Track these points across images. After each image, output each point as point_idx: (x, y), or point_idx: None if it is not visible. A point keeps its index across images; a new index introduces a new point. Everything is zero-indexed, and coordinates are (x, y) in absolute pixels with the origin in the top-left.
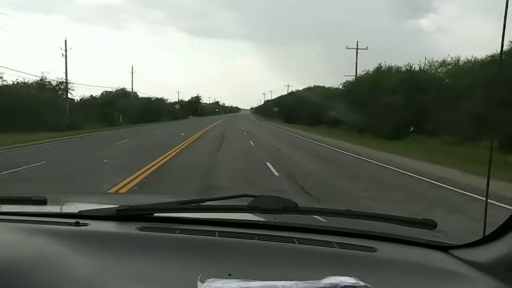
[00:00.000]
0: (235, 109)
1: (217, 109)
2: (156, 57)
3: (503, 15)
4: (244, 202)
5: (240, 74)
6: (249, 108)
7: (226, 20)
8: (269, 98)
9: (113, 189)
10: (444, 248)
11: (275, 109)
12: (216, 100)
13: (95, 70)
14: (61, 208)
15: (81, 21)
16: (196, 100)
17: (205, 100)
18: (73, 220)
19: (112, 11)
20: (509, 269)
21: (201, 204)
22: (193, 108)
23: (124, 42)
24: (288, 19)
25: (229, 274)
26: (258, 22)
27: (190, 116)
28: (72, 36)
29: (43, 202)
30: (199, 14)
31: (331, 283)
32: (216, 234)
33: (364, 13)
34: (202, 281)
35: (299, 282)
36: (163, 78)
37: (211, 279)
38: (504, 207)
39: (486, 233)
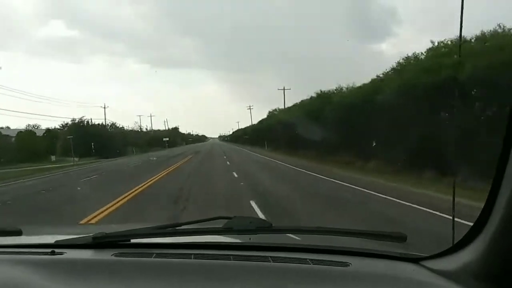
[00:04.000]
0: (202, 138)
1: (165, 137)
2: (117, 88)
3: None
4: (219, 224)
5: (205, 103)
6: (217, 136)
7: (186, 49)
8: (239, 127)
9: None
10: (415, 260)
11: (245, 136)
12: (174, 126)
13: (54, 104)
14: (36, 238)
15: (39, 56)
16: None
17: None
18: (49, 250)
19: (70, 44)
20: (476, 277)
21: (177, 228)
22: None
23: (85, 75)
24: (249, 47)
25: None
26: (219, 51)
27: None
28: (29, 71)
29: (18, 233)
30: (159, 45)
31: None
32: (192, 256)
33: (325, 39)
34: None
35: None
36: (126, 108)
37: None
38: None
39: (455, 242)
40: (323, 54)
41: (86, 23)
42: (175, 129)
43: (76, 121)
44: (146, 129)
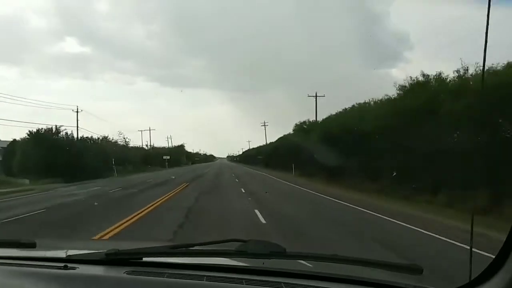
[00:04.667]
0: (209, 158)
1: (166, 155)
2: (125, 105)
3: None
4: (232, 246)
5: (214, 123)
6: (225, 156)
7: (196, 69)
8: (250, 147)
9: None
10: None
11: (259, 157)
12: (180, 144)
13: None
14: (50, 252)
15: (49, 72)
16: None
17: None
18: (62, 264)
19: (81, 61)
20: None
21: (190, 248)
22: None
23: (94, 91)
24: (260, 67)
25: None
26: (230, 71)
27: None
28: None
29: (32, 245)
30: (169, 64)
31: None
32: (204, 279)
33: (335, 62)
34: None
35: None
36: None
37: None
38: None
39: (472, 278)
40: (334, 76)
41: (98, 41)
42: (181, 146)
43: (42, 130)
44: (146, 145)
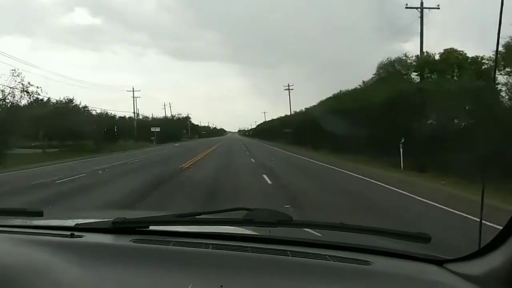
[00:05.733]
0: (220, 131)
1: (157, 126)
2: (136, 77)
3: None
4: (239, 215)
5: (225, 97)
6: (236, 131)
7: (209, 42)
8: (265, 120)
9: None
10: (439, 262)
11: (287, 130)
12: (186, 115)
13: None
14: (56, 221)
15: (60, 43)
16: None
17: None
18: (68, 232)
19: (92, 32)
20: (503, 282)
21: (196, 217)
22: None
23: (106, 63)
24: (273, 42)
25: (221, 286)
26: (242, 44)
27: None
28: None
29: (39, 214)
30: (181, 37)
31: None
32: (210, 246)
33: (348, 35)
34: None
35: None
36: (144, 99)
37: None
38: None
39: (482, 246)
40: (346, 52)
41: (109, 12)
42: (186, 118)
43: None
44: (139, 114)
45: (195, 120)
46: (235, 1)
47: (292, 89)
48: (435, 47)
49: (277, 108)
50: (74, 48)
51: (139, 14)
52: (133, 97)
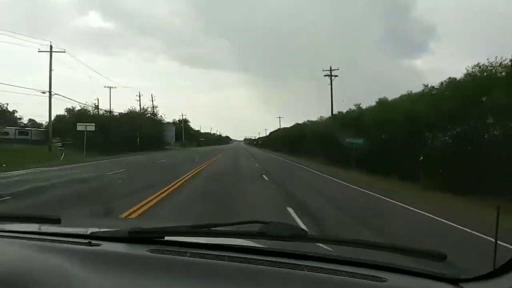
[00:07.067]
0: (225, 139)
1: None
2: (146, 83)
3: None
4: (254, 228)
5: (232, 106)
6: (242, 140)
7: (218, 51)
8: (280, 127)
9: None
10: (454, 281)
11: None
12: (181, 118)
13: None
14: (74, 229)
15: (73, 45)
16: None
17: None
18: (86, 240)
19: (104, 36)
20: None
21: (212, 229)
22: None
23: (114, 67)
24: (282, 54)
25: None
26: (251, 54)
27: None
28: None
29: (57, 221)
30: (191, 44)
31: None
32: (226, 259)
33: (360, 50)
34: None
35: None
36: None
37: None
38: None
39: (497, 266)
40: (357, 67)
41: (122, 17)
42: (183, 122)
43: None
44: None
45: (194, 125)
46: (246, 10)
47: (282, 118)
48: None
49: (288, 118)
50: (84, 51)
51: (150, 19)
52: (110, 94)
